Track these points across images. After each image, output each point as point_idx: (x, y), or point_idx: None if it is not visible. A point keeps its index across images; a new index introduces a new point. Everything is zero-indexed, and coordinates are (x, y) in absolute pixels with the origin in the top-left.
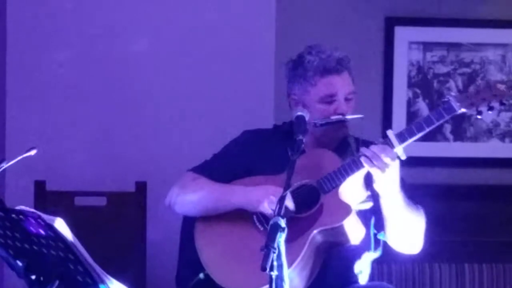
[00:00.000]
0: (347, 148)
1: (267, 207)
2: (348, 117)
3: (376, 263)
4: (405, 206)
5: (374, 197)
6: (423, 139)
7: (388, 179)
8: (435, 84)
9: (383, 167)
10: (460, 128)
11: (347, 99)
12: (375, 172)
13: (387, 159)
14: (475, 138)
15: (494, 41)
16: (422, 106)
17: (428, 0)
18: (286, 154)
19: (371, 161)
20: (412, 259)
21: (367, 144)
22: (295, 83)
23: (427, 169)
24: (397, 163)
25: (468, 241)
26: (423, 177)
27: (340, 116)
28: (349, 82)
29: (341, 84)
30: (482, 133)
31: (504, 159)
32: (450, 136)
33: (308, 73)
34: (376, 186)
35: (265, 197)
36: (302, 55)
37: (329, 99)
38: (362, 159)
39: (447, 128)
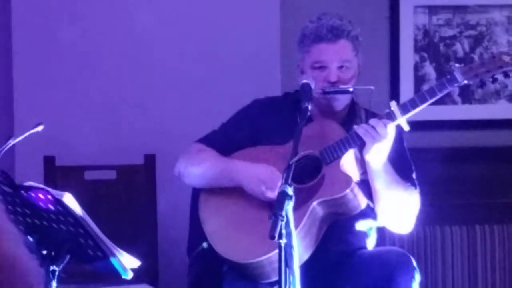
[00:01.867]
0: (355, 119)
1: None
2: (356, 88)
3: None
4: (391, 181)
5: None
6: (431, 102)
7: (376, 149)
8: (442, 48)
9: (369, 138)
10: (468, 91)
11: (339, 67)
12: (368, 141)
13: (373, 132)
14: (483, 100)
15: (500, 2)
16: (429, 70)
17: None
18: (295, 122)
19: (366, 131)
20: (423, 222)
21: (375, 116)
22: (298, 50)
23: (435, 132)
24: (390, 137)
25: (478, 203)
26: (432, 140)
27: (348, 86)
28: (345, 50)
29: (332, 52)
30: (490, 95)
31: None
32: (458, 99)
33: (305, 40)
34: (365, 154)
35: (262, 180)
36: (306, 24)
37: (318, 65)
38: (358, 130)
39: (455, 91)
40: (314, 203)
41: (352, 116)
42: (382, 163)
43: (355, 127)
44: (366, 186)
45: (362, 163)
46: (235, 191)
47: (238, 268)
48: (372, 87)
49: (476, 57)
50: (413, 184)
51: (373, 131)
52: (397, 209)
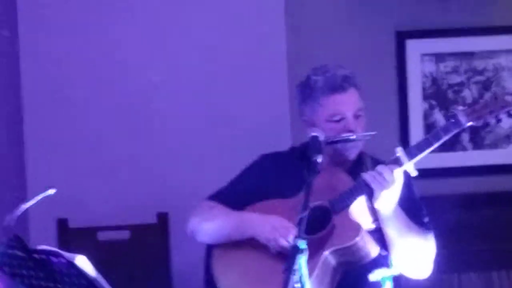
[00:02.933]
0: (362, 167)
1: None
2: (359, 135)
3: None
4: (403, 227)
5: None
6: (441, 149)
7: (385, 196)
8: (450, 94)
9: (381, 182)
10: (479, 136)
11: (356, 116)
12: (375, 188)
13: (380, 178)
14: (494, 145)
15: (506, 47)
16: (438, 117)
17: (437, 11)
18: (301, 176)
19: (374, 178)
20: (438, 270)
21: (381, 163)
22: (305, 104)
23: (447, 179)
24: (398, 182)
25: (493, 249)
26: (443, 188)
27: (350, 134)
28: (356, 99)
29: (347, 102)
30: (501, 140)
31: None
32: (469, 145)
33: (315, 93)
34: (375, 202)
35: (275, 229)
36: (309, 76)
37: (337, 117)
38: (364, 178)
39: (465, 136)
40: (326, 253)
41: (359, 164)
42: (392, 210)
43: (362, 174)
44: (378, 234)
45: (372, 211)
46: (248, 246)
47: None
48: (374, 132)
49: None
50: (427, 228)
51: (380, 177)
52: (413, 255)
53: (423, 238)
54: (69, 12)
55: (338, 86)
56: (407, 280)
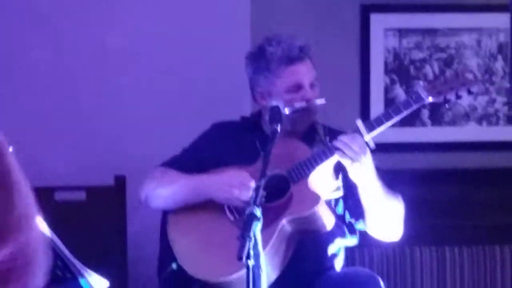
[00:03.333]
0: (315, 135)
1: (236, 196)
2: (316, 102)
3: (357, 247)
4: (383, 194)
5: (347, 187)
6: (401, 124)
7: (362, 169)
8: (412, 70)
9: (353, 156)
10: (438, 113)
11: (311, 85)
12: (346, 162)
13: (356, 147)
14: (453, 122)
15: (470, 25)
16: (399, 92)
17: None
18: (254, 145)
19: (340, 150)
20: (392, 244)
21: (334, 132)
22: (259, 75)
23: (406, 154)
24: (368, 152)
25: (447, 225)
26: (402, 163)
27: (304, 103)
28: (312, 68)
29: (305, 72)
30: (460, 117)
31: (481, 142)
32: (428, 121)
33: (272, 64)
34: (351, 176)
35: (233, 185)
36: (263, 47)
37: (296, 88)
38: (333, 150)
39: (425, 113)
40: (283, 221)
41: (312, 132)
42: (372, 179)
43: (331, 146)
44: (330, 204)
45: (330, 180)
46: (202, 211)
47: (208, 287)
48: (324, 101)
49: None
50: (394, 189)
51: (349, 147)
52: (391, 219)
53: (397, 201)
54: None
55: (296, 56)
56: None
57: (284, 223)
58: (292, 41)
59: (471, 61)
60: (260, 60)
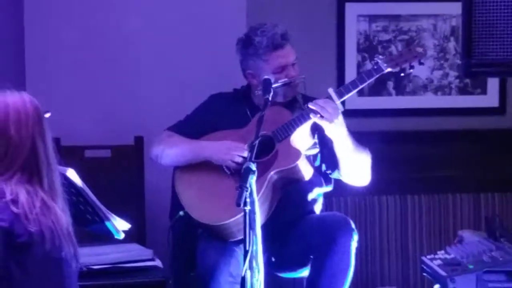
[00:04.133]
0: (295, 103)
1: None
2: (297, 78)
3: (333, 196)
4: (354, 148)
5: (322, 144)
6: (370, 93)
7: (336, 127)
8: (379, 49)
9: (328, 117)
10: (401, 84)
11: (293, 65)
12: (322, 122)
13: (330, 110)
14: (413, 92)
15: (428, 12)
16: (369, 67)
17: None
18: (245, 112)
19: (316, 112)
20: (363, 193)
21: (311, 99)
22: (249, 60)
23: (375, 119)
24: (340, 113)
25: (409, 177)
26: (371, 126)
27: (287, 79)
28: (293, 51)
29: (287, 55)
30: (419, 88)
31: (437, 108)
32: (393, 91)
33: (259, 51)
34: (328, 133)
35: (227, 151)
36: (250, 36)
37: (281, 69)
38: (310, 113)
39: (390, 84)
40: (272, 173)
41: (293, 100)
42: (344, 136)
43: (309, 107)
44: (309, 158)
45: (308, 139)
46: (203, 168)
47: (210, 229)
48: (304, 77)
49: None
50: (362, 144)
51: (324, 110)
52: (361, 167)
53: (365, 153)
54: None
55: (279, 43)
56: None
57: (272, 174)
58: (274, 30)
59: (429, 41)
60: (249, 47)
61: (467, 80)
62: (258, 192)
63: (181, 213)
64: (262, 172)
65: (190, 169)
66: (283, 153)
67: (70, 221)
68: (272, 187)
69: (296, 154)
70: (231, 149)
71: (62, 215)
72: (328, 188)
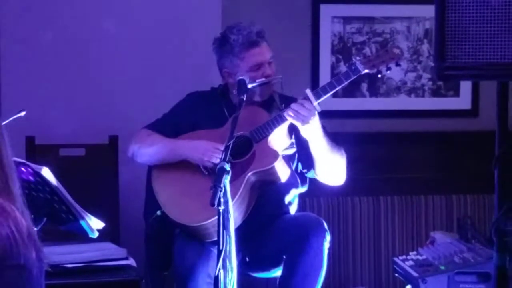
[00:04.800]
0: (273, 102)
1: (206, 160)
2: (274, 78)
3: (307, 196)
4: (329, 148)
5: (298, 144)
6: (345, 95)
7: (311, 128)
8: (354, 51)
9: (303, 119)
10: (374, 86)
11: (269, 63)
12: (297, 123)
13: (305, 111)
14: (386, 94)
15: (401, 15)
16: (343, 69)
17: None
18: (222, 112)
19: (293, 116)
20: (336, 193)
21: (288, 99)
22: (225, 59)
23: (349, 120)
24: (316, 114)
25: (382, 178)
26: (345, 127)
27: (264, 79)
28: (268, 49)
29: (263, 53)
30: (392, 90)
31: (410, 110)
32: (367, 93)
33: (235, 49)
34: (303, 134)
35: (204, 151)
36: (226, 35)
37: (256, 67)
38: (286, 115)
39: (364, 86)
40: (249, 174)
41: (270, 101)
42: (320, 136)
43: (286, 110)
44: (287, 159)
45: (285, 139)
46: (181, 167)
47: (188, 230)
48: (281, 77)
49: None
50: (338, 144)
51: (303, 110)
52: (336, 167)
53: (340, 153)
54: None
55: (254, 41)
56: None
57: (250, 175)
58: (250, 28)
59: (402, 44)
60: (225, 46)
61: (440, 83)
62: (235, 194)
63: (158, 212)
64: (239, 173)
65: (168, 168)
66: (261, 154)
67: (31, 223)
68: (250, 188)
69: (274, 155)
70: (208, 150)
71: (22, 219)
72: (303, 189)
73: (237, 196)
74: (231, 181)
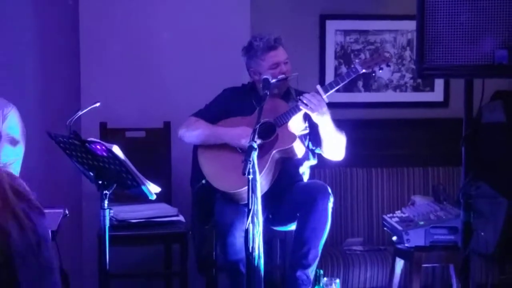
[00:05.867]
0: (289, 95)
1: (243, 143)
2: (290, 75)
3: (316, 168)
4: (334, 130)
5: (310, 127)
6: (345, 90)
7: (320, 115)
8: (352, 56)
9: (314, 107)
10: (368, 83)
11: (285, 63)
12: (309, 111)
13: (315, 102)
14: (377, 89)
15: (389, 28)
16: (344, 71)
17: (347, 3)
18: (251, 102)
19: (306, 105)
20: (339, 166)
21: (301, 92)
22: (251, 60)
23: (348, 110)
24: (325, 104)
25: (374, 154)
26: (345, 115)
27: (284, 75)
28: (284, 52)
29: (280, 55)
30: (382, 86)
31: (396, 102)
32: (362, 89)
33: (258, 52)
34: (315, 120)
35: (237, 136)
36: (251, 42)
37: (275, 66)
38: (300, 104)
39: (359, 83)
40: (274, 152)
41: (287, 94)
42: (328, 121)
43: (301, 99)
44: (302, 138)
45: (301, 124)
46: (221, 147)
47: (226, 195)
48: (297, 73)
49: None
50: (340, 127)
51: (314, 100)
52: (338, 146)
53: (342, 135)
54: None
55: (272, 46)
56: (320, 172)
57: (274, 153)
58: (269, 36)
59: (390, 51)
60: (251, 51)
61: (419, 80)
62: (264, 166)
63: (203, 181)
64: (267, 151)
65: (211, 147)
66: (283, 136)
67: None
68: (275, 162)
69: (293, 137)
70: (242, 135)
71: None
72: (314, 161)
73: (265, 168)
74: (260, 157)
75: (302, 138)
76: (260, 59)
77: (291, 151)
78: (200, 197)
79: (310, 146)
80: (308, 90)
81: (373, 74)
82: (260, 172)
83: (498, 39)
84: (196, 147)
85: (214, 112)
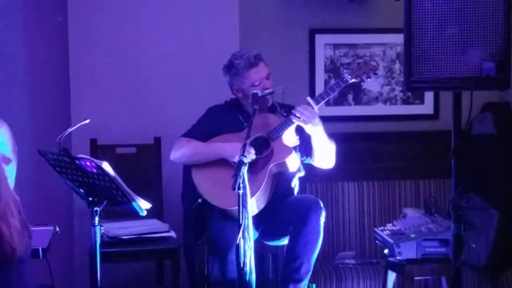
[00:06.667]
0: (275, 110)
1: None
2: (275, 89)
3: (307, 182)
4: (326, 140)
5: (302, 138)
6: (335, 104)
7: (313, 126)
8: (341, 70)
9: (306, 119)
10: (358, 97)
11: (267, 78)
12: (302, 124)
13: (308, 114)
14: (367, 103)
15: (378, 41)
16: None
17: (336, 17)
18: (238, 119)
19: (299, 117)
20: (330, 179)
21: (286, 107)
22: (233, 79)
23: (338, 123)
24: (317, 115)
25: (364, 168)
26: (336, 128)
27: (270, 90)
28: (265, 67)
29: (261, 71)
30: (372, 99)
31: (385, 115)
32: (352, 102)
33: (239, 71)
34: (308, 131)
35: (235, 151)
36: (232, 61)
37: (257, 82)
38: (293, 117)
39: (350, 97)
40: (271, 166)
41: (273, 107)
42: (321, 132)
43: (293, 112)
44: (303, 146)
45: (294, 136)
46: (215, 164)
47: (225, 212)
48: (283, 87)
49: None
50: (331, 137)
51: (306, 112)
52: (328, 155)
53: (333, 144)
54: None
55: (253, 63)
56: (311, 186)
57: (271, 167)
58: (249, 53)
59: (380, 64)
60: (232, 69)
61: (409, 93)
62: (261, 183)
63: (199, 200)
64: (262, 166)
65: (205, 166)
66: (278, 149)
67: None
68: (271, 178)
69: (289, 150)
70: (236, 152)
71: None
72: (302, 173)
73: (263, 185)
74: (257, 172)
75: (293, 150)
76: (242, 77)
77: (287, 164)
78: (196, 215)
79: (299, 156)
80: (299, 103)
81: (362, 83)
82: (258, 189)
83: (485, 52)
84: (188, 166)
85: (204, 131)
